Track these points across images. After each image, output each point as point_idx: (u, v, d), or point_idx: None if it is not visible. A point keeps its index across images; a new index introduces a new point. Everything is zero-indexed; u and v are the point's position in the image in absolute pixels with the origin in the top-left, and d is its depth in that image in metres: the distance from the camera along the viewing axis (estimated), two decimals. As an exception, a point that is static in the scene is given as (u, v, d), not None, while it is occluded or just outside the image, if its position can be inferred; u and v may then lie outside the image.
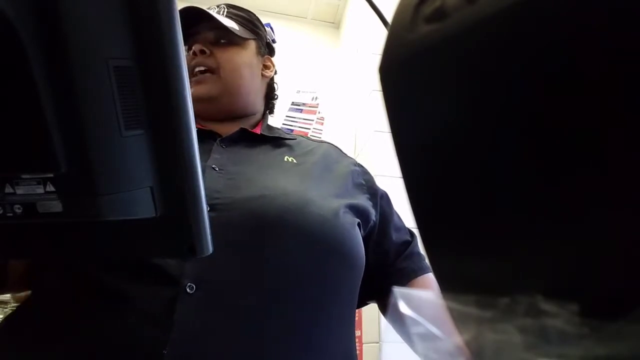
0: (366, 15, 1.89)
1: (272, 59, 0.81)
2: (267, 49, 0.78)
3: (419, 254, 0.69)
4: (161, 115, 0.25)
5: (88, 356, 0.41)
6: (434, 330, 0.18)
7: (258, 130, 0.71)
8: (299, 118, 2.14)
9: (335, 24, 2.53)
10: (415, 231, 0.71)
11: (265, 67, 0.77)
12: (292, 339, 0.47)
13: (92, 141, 0.23)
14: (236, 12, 0.75)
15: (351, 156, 0.75)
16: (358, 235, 0.58)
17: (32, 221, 0.24)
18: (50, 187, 0.23)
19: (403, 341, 0.58)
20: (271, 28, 0.84)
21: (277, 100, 0.83)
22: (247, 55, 0.72)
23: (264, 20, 0.81)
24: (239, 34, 0.70)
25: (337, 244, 0.54)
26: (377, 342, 1.34)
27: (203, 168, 0.55)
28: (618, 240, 0.13)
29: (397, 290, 0.19)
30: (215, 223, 0.49)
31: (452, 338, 0.17)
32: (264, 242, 0.49)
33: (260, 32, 0.76)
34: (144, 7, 0.23)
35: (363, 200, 0.63)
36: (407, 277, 0.65)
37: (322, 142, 0.75)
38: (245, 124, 0.71)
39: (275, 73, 0.83)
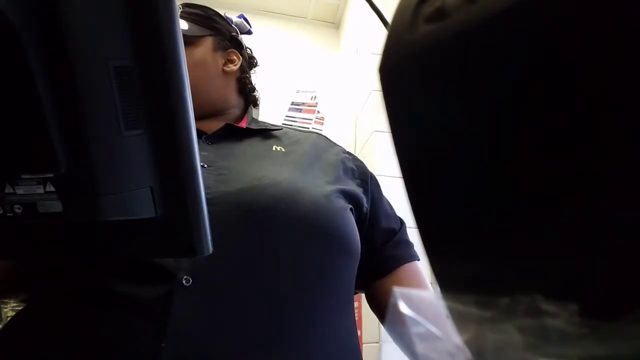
0: (366, 15, 1.89)
1: (244, 51, 0.79)
2: (232, 42, 0.76)
3: (407, 241, 0.69)
4: (161, 115, 0.25)
5: (86, 356, 0.41)
6: (434, 330, 0.18)
7: (243, 125, 0.70)
8: (299, 117, 2.14)
9: (335, 24, 2.53)
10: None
11: (230, 61, 0.75)
12: (291, 328, 0.47)
13: (92, 141, 0.23)
14: (190, 11, 0.74)
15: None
16: (352, 220, 0.58)
17: (32, 221, 0.24)
18: (50, 187, 0.23)
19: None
20: (245, 19, 0.81)
21: (258, 93, 0.81)
22: (199, 53, 0.71)
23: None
24: (188, 33, 0.70)
25: (331, 229, 0.53)
26: (377, 342, 1.34)
27: None
28: (618, 240, 0.13)
29: (397, 290, 0.19)
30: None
31: (452, 338, 0.17)
32: (258, 233, 0.49)
33: (219, 26, 0.75)
34: (144, 7, 0.23)
35: (354, 187, 0.63)
36: (394, 264, 0.65)
37: (310, 132, 0.75)
38: (229, 120, 0.71)
39: (255, 65, 0.81)
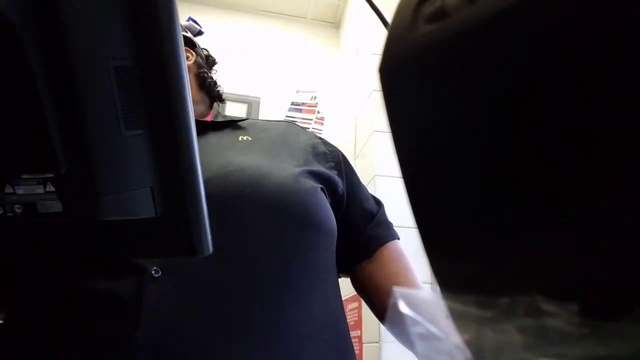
0: (366, 15, 1.89)
1: (200, 50, 0.82)
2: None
3: (386, 222, 0.69)
4: (161, 115, 0.25)
5: (70, 356, 0.42)
6: (434, 330, 0.18)
7: (209, 119, 0.71)
8: (299, 117, 2.14)
9: (335, 24, 2.53)
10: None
11: None
12: (264, 311, 0.47)
13: (92, 141, 0.23)
14: None
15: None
16: (322, 199, 0.58)
17: (32, 221, 0.24)
18: (50, 187, 0.23)
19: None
20: (194, 21, 0.86)
21: (222, 89, 0.83)
22: None
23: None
24: None
25: (300, 209, 0.53)
26: (377, 342, 1.34)
27: None
28: (618, 240, 0.13)
29: (397, 290, 0.19)
30: None
31: (452, 338, 0.17)
32: (227, 220, 0.49)
33: None
34: (144, 7, 0.23)
35: (326, 169, 0.63)
36: (376, 244, 0.65)
37: (280, 121, 0.76)
38: (194, 115, 0.71)
39: (214, 64, 0.84)
